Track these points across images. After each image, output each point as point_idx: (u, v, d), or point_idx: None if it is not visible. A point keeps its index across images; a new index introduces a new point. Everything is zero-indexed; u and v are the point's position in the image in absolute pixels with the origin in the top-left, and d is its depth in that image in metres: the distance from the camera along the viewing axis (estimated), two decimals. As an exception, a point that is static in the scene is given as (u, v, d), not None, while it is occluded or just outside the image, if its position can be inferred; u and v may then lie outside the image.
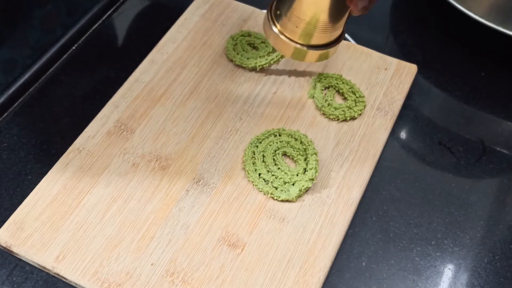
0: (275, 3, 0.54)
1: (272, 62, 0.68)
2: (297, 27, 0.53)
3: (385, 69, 0.69)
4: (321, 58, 0.56)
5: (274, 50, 0.69)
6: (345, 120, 0.64)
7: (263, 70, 0.68)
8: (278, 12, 0.54)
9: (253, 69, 0.68)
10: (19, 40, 0.65)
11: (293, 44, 0.54)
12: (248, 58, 0.68)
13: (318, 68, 0.68)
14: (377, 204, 0.60)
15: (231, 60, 0.69)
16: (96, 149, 0.60)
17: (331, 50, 0.55)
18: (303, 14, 0.52)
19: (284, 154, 0.61)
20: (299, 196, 0.58)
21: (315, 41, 0.54)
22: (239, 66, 0.68)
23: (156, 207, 0.57)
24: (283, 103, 0.65)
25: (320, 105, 0.64)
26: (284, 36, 0.54)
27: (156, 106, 0.64)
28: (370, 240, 0.57)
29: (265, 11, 0.74)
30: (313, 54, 0.55)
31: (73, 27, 0.71)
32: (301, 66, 0.69)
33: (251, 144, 0.61)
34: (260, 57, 0.68)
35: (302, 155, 0.60)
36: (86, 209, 0.56)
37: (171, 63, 0.68)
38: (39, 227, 0.55)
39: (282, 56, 0.68)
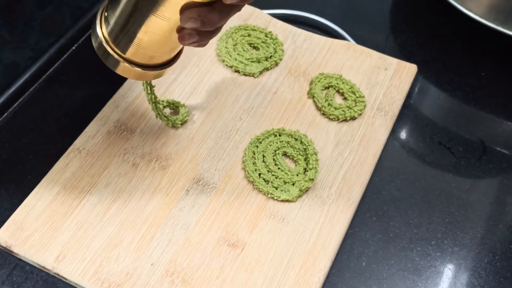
0: (106, 5, 0.50)
1: (270, 67, 0.68)
2: (131, 48, 0.49)
3: (385, 69, 0.69)
4: (146, 77, 0.52)
5: (274, 53, 0.69)
6: (345, 120, 0.64)
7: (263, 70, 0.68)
8: (106, 14, 0.49)
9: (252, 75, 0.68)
10: (20, 42, 0.65)
11: (127, 64, 0.50)
12: (246, 65, 0.67)
13: (318, 68, 0.68)
14: (377, 204, 0.60)
15: (230, 66, 0.68)
16: (96, 149, 0.60)
17: (158, 72, 0.52)
18: (133, 36, 0.48)
19: (284, 154, 0.61)
20: (299, 196, 0.58)
21: (145, 61, 0.51)
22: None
23: (156, 207, 0.57)
24: (283, 103, 0.65)
25: (320, 105, 0.64)
26: (113, 51, 0.50)
27: (156, 106, 0.64)
28: (370, 240, 0.57)
29: (265, 11, 0.74)
30: (145, 73, 0.52)
31: (73, 27, 0.71)
32: (301, 66, 0.69)
33: (251, 144, 0.61)
34: (258, 62, 0.68)
35: (302, 155, 0.60)
36: (86, 209, 0.56)
37: (171, 63, 0.68)
38: (39, 227, 0.55)
39: (280, 59, 0.69)
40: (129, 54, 0.50)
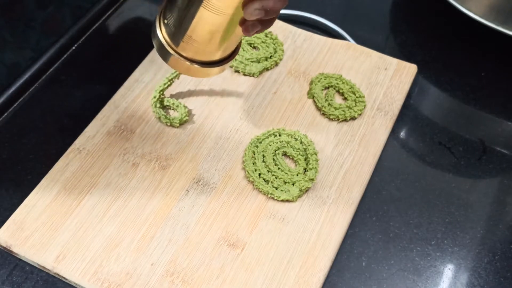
0: (163, 11, 0.50)
1: (270, 67, 0.68)
2: (190, 45, 0.49)
3: (385, 69, 0.69)
4: (215, 73, 0.53)
5: (274, 53, 0.69)
6: (345, 120, 0.64)
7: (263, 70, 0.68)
8: (166, 21, 0.50)
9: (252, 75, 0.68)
10: (20, 43, 0.65)
11: (187, 62, 0.51)
12: (246, 65, 0.67)
13: (318, 68, 0.68)
14: (377, 204, 0.60)
15: (230, 66, 0.68)
16: (96, 149, 0.60)
17: (223, 66, 0.52)
18: (195, 35, 0.48)
19: (284, 154, 0.61)
20: (299, 196, 0.58)
21: (207, 58, 0.51)
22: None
23: (156, 207, 0.57)
24: (283, 103, 0.65)
25: (320, 105, 0.64)
26: (177, 53, 0.51)
27: (156, 106, 0.64)
28: (370, 240, 0.57)
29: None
30: (208, 70, 0.52)
31: (73, 27, 0.71)
32: (301, 66, 0.69)
33: (251, 144, 0.61)
34: (258, 62, 0.68)
35: (302, 155, 0.60)
36: (86, 209, 0.56)
37: (171, 63, 0.68)
38: (39, 227, 0.55)
39: (280, 59, 0.68)
40: (191, 53, 0.50)
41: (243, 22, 0.47)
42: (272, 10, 0.46)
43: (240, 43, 0.53)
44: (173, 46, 0.50)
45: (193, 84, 0.66)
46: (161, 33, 0.50)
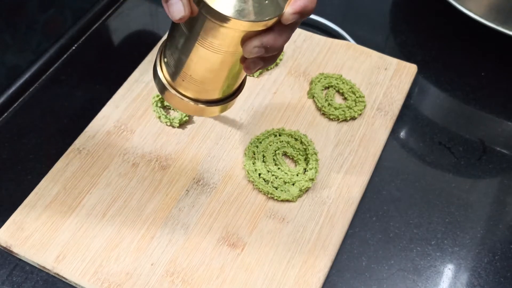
0: (163, 50, 0.49)
1: (270, 67, 0.68)
2: (190, 84, 0.48)
3: (385, 69, 0.69)
4: (221, 111, 0.51)
5: None
6: (345, 120, 0.64)
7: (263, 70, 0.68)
8: (166, 60, 0.49)
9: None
10: (22, 46, 0.65)
11: (191, 102, 0.49)
12: None
13: (318, 68, 0.68)
14: (377, 204, 0.60)
15: None
16: (96, 149, 0.60)
17: (229, 103, 0.51)
18: (195, 74, 0.47)
19: (284, 154, 0.61)
20: (299, 196, 0.58)
21: (211, 97, 0.50)
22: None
23: (156, 207, 0.57)
24: (283, 103, 0.65)
25: (320, 105, 0.64)
26: (179, 92, 0.49)
27: (156, 106, 0.64)
28: (370, 240, 0.57)
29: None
30: (213, 109, 0.50)
31: (73, 27, 0.71)
32: (301, 66, 0.69)
33: (251, 144, 0.61)
34: None
35: (302, 155, 0.60)
36: (86, 209, 0.56)
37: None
38: (39, 227, 0.55)
39: (280, 59, 0.68)
40: (193, 92, 0.49)
41: (243, 60, 0.45)
42: (273, 47, 0.44)
43: (245, 79, 0.51)
44: (174, 85, 0.49)
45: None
46: (162, 73, 0.49)
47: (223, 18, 0.41)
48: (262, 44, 0.43)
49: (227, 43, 0.43)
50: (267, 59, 0.46)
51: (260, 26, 0.42)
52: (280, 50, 0.45)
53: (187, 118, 0.63)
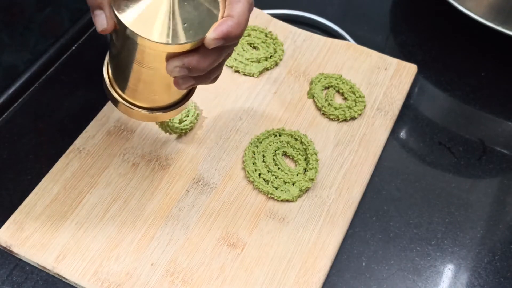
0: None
1: (270, 67, 0.68)
2: (132, 92, 0.49)
3: (385, 69, 0.69)
4: (176, 114, 0.52)
5: (274, 53, 0.69)
6: (345, 120, 0.64)
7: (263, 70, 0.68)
8: (109, 71, 0.50)
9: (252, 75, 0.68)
10: (19, 45, 0.65)
11: (144, 111, 0.50)
12: (246, 65, 0.67)
13: (318, 68, 0.68)
14: (377, 204, 0.60)
15: (230, 66, 0.68)
16: (96, 149, 0.60)
17: (182, 106, 0.52)
18: (133, 84, 0.48)
19: (284, 154, 0.61)
20: (299, 196, 0.58)
21: (160, 104, 0.51)
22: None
23: (156, 207, 0.57)
24: (283, 103, 0.65)
25: (320, 105, 0.64)
26: (121, 97, 0.50)
27: (156, 106, 0.64)
28: (370, 240, 0.57)
29: (265, 11, 0.74)
30: (166, 115, 0.51)
31: (73, 27, 0.71)
32: (301, 66, 0.69)
33: (251, 144, 0.61)
34: (258, 62, 0.68)
35: (302, 155, 0.60)
36: (86, 209, 0.56)
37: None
38: (39, 227, 0.55)
39: (280, 59, 0.68)
40: (132, 98, 0.50)
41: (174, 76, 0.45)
42: (197, 68, 0.43)
43: (194, 89, 0.52)
44: (117, 89, 0.50)
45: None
46: (107, 75, 0.50)
47: (136, 37, 0.42)
48: (183, 64, 0.43)
49: (149, 60, 0.44)
50: (198, 78, 0.45)
51: (177, 49, 0.42)
52: (206, 70, 0.45)
53: (192, 125, 0.62)
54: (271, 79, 0.68)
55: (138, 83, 0.47)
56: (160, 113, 0.51)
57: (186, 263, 0.54)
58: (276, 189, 0.58)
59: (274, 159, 0.60)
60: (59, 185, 0.57)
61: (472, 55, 0.73)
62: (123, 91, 0.49)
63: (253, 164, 0.59)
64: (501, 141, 0.65)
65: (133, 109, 0.50)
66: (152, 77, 0.46)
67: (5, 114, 0.65)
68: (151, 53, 0.43)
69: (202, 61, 0.43)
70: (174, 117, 0.54)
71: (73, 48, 0.71)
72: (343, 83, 0.66)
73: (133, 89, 0.48)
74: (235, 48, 0.68)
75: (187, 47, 0.43)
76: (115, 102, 0.50)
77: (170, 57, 0.43)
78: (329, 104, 0.64)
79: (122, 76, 0.48)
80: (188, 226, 0.56)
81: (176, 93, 0.50)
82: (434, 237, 0.58)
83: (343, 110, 0.64)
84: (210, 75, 0.47)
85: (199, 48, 0.43)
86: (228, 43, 0.43)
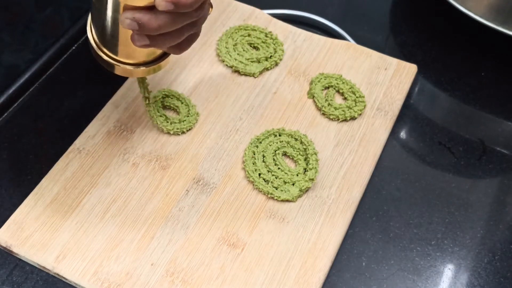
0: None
1: (270, 67, 0.68)
2: (111, 45, 0.52)
3: (385, 69, 0.69)
4: (149, 73, 0.55)
5: (274, 53, 0.69)
6: (345, 120, 0.64)
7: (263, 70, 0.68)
8: (91, 23, 0.53)
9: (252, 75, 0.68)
10: (19, 45, 0.65)
11: (120, 65, 0.53)
12: (246, 65, 0.67)
13: (318, 68, 0.68)
14: (377, 204, 0.60)
15: (230, 66, 0.68)
16: (96, 149, 0.60)
17: (157, 65, 0.54)
18: (113, 37, 0.51)
19: (284, 154, 0.61)
20: (299, 196, 0.58)
21: (136, 60, 0.53)
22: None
23: (156, 207, 0.57)
24: (283, 103, 0.65)
25: (320, 105, 0.64)
26: (102, 51, 0.53)
27: (156, 106, 0.64)
28: (370, 240, 0.57)
29: (265, 11, 0.74)
30: (139, 71, 0.54)
31: (73, 27, 0.71)
32: (301, 66, 0.69)
33: (251, 144, 0.61)
34: (258, 62, 0.68)
35: (302, 155, 0.60)
36: (86, 209, 0.56)
37: (171, 63, 0.68)
38: (39, 227, 0.55)
39: (280, 59, 0.68)
40: (112, 52, 0.52)
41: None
42: (147, 26, 0.45)
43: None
44: (102, 48, 0.53)
45: (193, 84, 0.66)
46: (91, 35, 0.53)
47: None
48: (134, 18, 0.45)
49: (110, 6, 0.47)
50: (152, 38, 0.47)
51: (133, 2, 0.45)
52: (159, 32, 0.46)
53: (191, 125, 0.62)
54: (271, 79, 0.68)
55: (109, 33, 0.50)
56: (132, 68, 0.53)
57: (186, 263, 0.54)
58: (276, 189, 0.58)
59: (274, 159, 0.60)
60: (59, 185, 0.57)
61: (472, 55, 0.73)
62: (103, 45, 0.52)
63: (253, 164, 0.59)
64: (501, 141, 0.65)
65: (109, 61, 0.53)
66: (117, 27, 0.49)
67: (5, 114, 0.65)
68: (115, 2, 0.46)
69: (153, 21, 0.45)
70: (147, 75, 0.56)
71: (73, 48, 0.71)
72: (343, 83, 0.66)
73: (107, 40, 0.51)
74: (235, 48, 0.69)
75: (141, 2, 0.45)
76: (97, 55, 0.53)
77: (126, 8, 0.45)
78: (329, 104, 0.64)
79: (100, 30, 0.51)
80: (188, 226, 0.56)
81: (146, 51, 0.52)
82: (434, 237, 0.58)
83: (343, 110, 0.64)
84: (165, 40, 0.47)
85: (153, 8, 0.45)
86: (179, 10, 0.44)
